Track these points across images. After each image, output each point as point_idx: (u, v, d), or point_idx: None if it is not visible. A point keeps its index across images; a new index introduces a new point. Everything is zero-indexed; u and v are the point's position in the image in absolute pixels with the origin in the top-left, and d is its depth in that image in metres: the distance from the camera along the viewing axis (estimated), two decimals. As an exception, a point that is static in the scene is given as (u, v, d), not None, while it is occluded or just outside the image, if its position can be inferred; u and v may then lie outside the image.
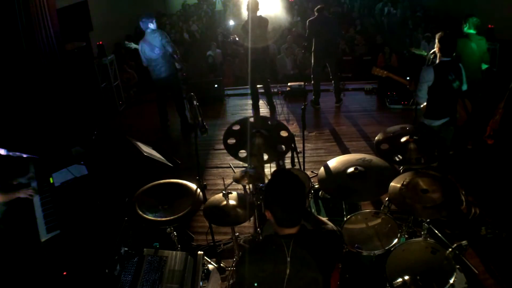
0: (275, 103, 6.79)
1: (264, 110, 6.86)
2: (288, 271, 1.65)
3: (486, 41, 4.69)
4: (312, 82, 6.64)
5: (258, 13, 5.91)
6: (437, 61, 3.61)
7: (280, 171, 1.81)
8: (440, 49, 3.55)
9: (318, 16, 6.30)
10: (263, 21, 5.98)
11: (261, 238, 3.15)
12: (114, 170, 4.73)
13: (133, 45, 5.97)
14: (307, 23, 6.39)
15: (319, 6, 6.40)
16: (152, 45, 5.43)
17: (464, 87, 3.69)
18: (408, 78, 3.95)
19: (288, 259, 1.65)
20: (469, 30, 4.69)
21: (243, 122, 3.41)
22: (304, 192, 1.78)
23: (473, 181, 4.26)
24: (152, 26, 5.46)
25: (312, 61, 6.50)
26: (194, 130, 3.23)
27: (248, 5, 5.88)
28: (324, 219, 2.06)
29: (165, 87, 5.84)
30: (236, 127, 3.40)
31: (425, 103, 3.72)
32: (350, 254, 2.62)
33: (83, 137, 5.69)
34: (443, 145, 3.22)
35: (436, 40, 3.58)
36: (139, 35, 5.48)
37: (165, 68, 5.59)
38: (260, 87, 6.79)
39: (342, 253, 1.84)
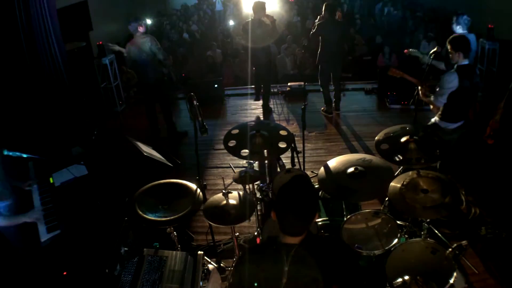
0: (272, 104, 6.73)
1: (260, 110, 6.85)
2: (284, 280, 1.59)
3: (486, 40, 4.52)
4: (321, 90, 6.36)
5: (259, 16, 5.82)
6: (456, 65, 3.54)
7: (300, 176, 1.72)
8: (458, 53, 3.47)
9: (328, 21, 5.72)
10: (265, 24, 5.92)
11: (262, 238, 3.15)
12: (114, 170, 4.75)
13: (117, 47, 5.85)
14: (316, 27, 5.84)
15: (329, 6, 5.70)
16: (140, 50, 5.31)
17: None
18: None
19: (286, 268, 1.59)
20: (460, 30, 4.57)
21: (241, 127, 3.40)
22: (317, 204, 1.69)
23: (473, 181, 4.25)
24: (141, 29, 5.34)
25: (319, 68, 6.20)
26: (182, 138, 3.21)
27: (254, 7, 5.76)
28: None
29: (152, 92, 5.75)
30: (235, 131, 3.39)
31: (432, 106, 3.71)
32: (350, 254, 2.62)
33: (83, 137, 5.69)
34: (444, 145, 3.21)
35: (449, 45, 3.52)
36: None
37: (152, 74, 5.49)
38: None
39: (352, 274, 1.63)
